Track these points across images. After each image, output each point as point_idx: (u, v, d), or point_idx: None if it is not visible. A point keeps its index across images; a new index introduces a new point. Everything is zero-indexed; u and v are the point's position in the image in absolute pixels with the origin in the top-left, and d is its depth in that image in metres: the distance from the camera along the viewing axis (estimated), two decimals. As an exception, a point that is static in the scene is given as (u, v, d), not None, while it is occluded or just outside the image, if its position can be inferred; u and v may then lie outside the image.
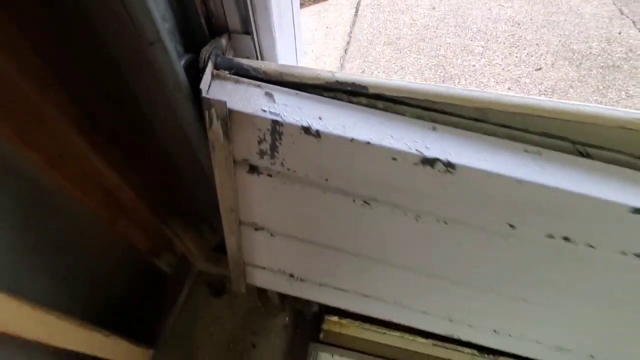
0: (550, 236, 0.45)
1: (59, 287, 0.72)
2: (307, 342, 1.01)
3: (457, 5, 2.41)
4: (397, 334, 0.97)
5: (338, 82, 0.43)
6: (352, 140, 0.40)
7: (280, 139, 0.42)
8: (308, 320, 1.09)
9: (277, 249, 0.57)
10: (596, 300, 0.52)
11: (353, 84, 0.43)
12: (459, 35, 2.20)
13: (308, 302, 1.09)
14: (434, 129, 0.42)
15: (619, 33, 2.20)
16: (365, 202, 0.47)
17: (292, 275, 0.61)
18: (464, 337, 0.70)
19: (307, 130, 0.40)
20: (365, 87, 0.43)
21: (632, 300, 0.50)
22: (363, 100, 0.43)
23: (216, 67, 0.44)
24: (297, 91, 0.43)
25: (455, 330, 0.69)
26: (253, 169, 0.46)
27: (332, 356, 0.92)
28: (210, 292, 1.19)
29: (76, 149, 0.63)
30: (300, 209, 0.49)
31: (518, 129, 0.43)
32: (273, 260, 0.60)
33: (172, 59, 0.42)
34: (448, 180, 0.42)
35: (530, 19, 2.27)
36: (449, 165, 0.41)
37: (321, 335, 0.99)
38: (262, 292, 1.16)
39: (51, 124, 0.59)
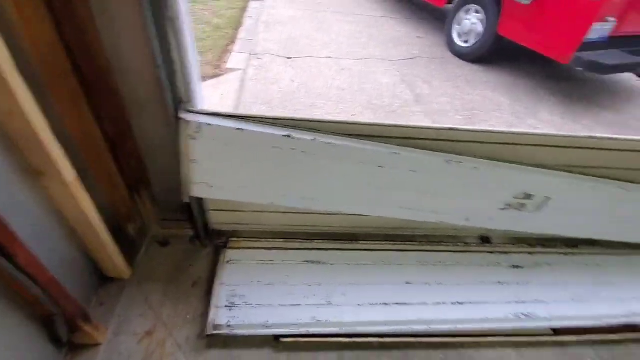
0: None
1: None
2: (220, 255, 1.90)
3: (307, 79, 3.74)
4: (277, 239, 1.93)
5: (216, 112, 1.44)
6: (220, 125, 1.41)
7: (201, 128, 1.40)
8: (221, 247, 1.98)
9: (202, 171, 1.51)
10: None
11: (217, 114, 1.45)
12: (308, 97, 3.47)
13: (220, 237, 1.99)
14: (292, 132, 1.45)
15: (400, 92, 3.73)
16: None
17: (210, 185, 1.54)
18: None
19: (207, 125, 1.39)
20: (218, 114, 1.45)
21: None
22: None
23: (183, 110, 1.42)
24: (206, 115, 1.43)
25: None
26: (193, 138, 1.42)
27: (232, 251, 1.84)
28: (160, 245, 2.00)
29: (104, 155, 1.51)
30: (213, 151, 1.46)
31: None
32: (201, 178, 1.53)
33: (171, 109, 1.40)
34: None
35: (350, 87, 3.68)
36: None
37: (227, 246, 1.91)
38: (192, 240, 2.01)
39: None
